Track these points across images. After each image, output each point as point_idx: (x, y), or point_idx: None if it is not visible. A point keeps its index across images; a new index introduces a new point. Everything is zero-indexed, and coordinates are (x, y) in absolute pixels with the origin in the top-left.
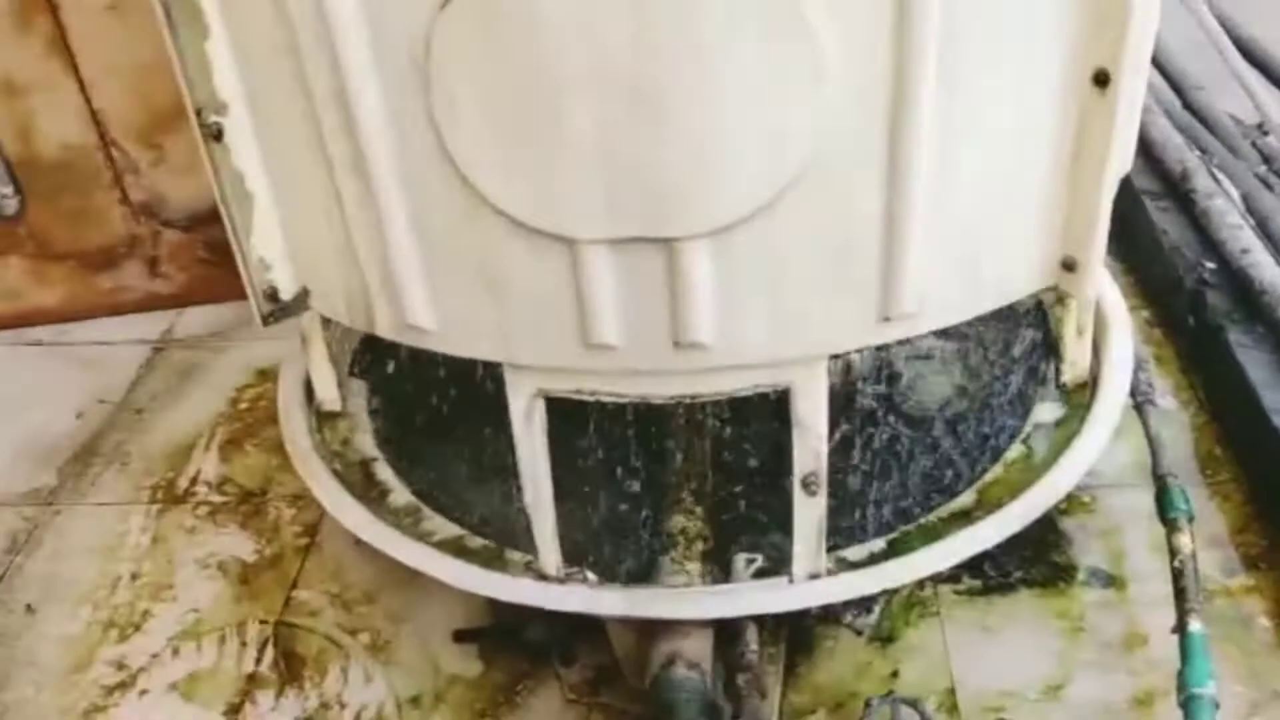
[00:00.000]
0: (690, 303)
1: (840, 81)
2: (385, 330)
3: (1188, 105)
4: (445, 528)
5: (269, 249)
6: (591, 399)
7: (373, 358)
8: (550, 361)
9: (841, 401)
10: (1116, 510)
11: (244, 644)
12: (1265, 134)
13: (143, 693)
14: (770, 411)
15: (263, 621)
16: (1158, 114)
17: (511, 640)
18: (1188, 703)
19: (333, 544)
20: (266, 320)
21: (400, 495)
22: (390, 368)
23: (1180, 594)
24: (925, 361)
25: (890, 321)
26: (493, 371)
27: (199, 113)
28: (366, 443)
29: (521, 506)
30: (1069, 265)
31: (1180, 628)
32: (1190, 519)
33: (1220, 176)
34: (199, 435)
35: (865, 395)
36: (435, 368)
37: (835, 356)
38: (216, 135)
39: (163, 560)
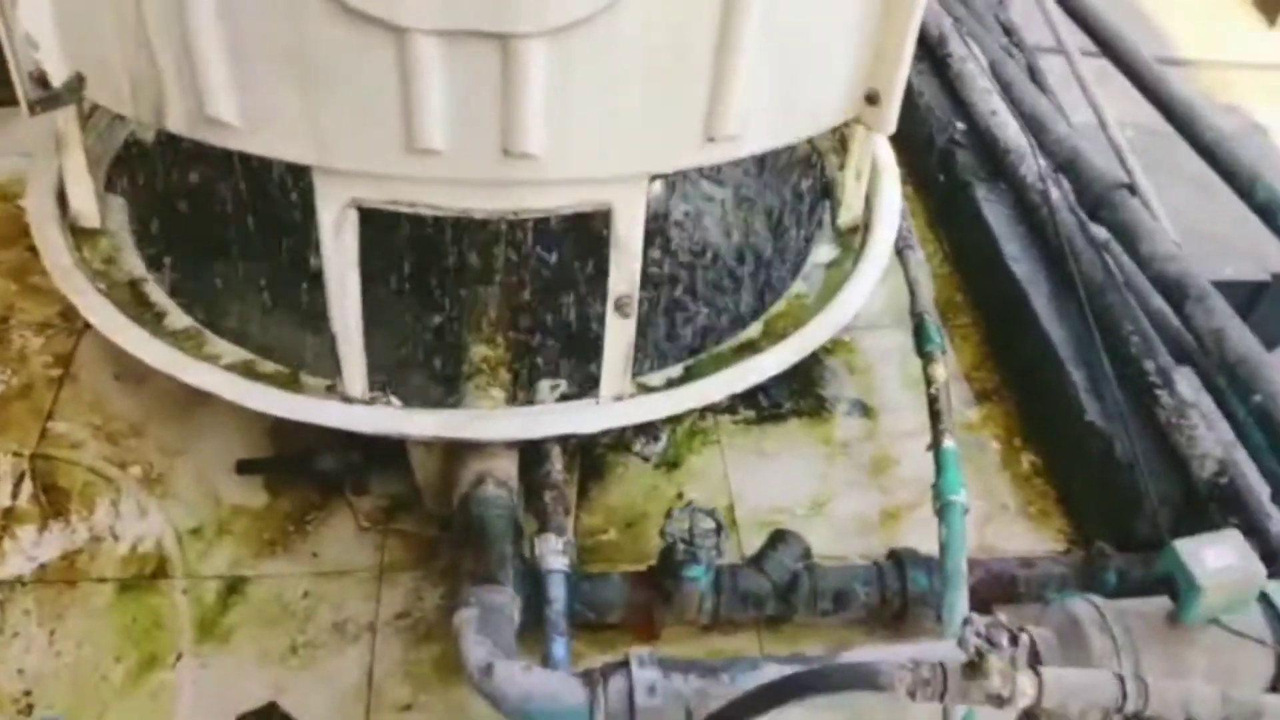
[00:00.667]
0: (522, 107)
1: None
2: (178, 124)
3: None
4: (232, 351)
5: (38, 24)
6: (410, 210)
7: (137, 168)
8: (368, 166)
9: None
10: (872, 350)
11: None
12: (1005, 6)
13: None
14: (582, 233)
15: (16, 454)
16: None
17: (300, 470)
18: (943, 509)
19: (90, 375)
20: (33, 109)
21: (178, 318)
22: (161, 178)
23: (935, 416)
24: (718, 199)
25: (715, 142)
26: (296, 178)
27: None
28: (133, 262)
29: (323, 327)
30: (872, 98)
31: (935, 445)
32: (943, 352)
33: (970, 43)
34: None
35: (664, 224)
36: (219, 176)
37: (656, 177)
38: None
39: None
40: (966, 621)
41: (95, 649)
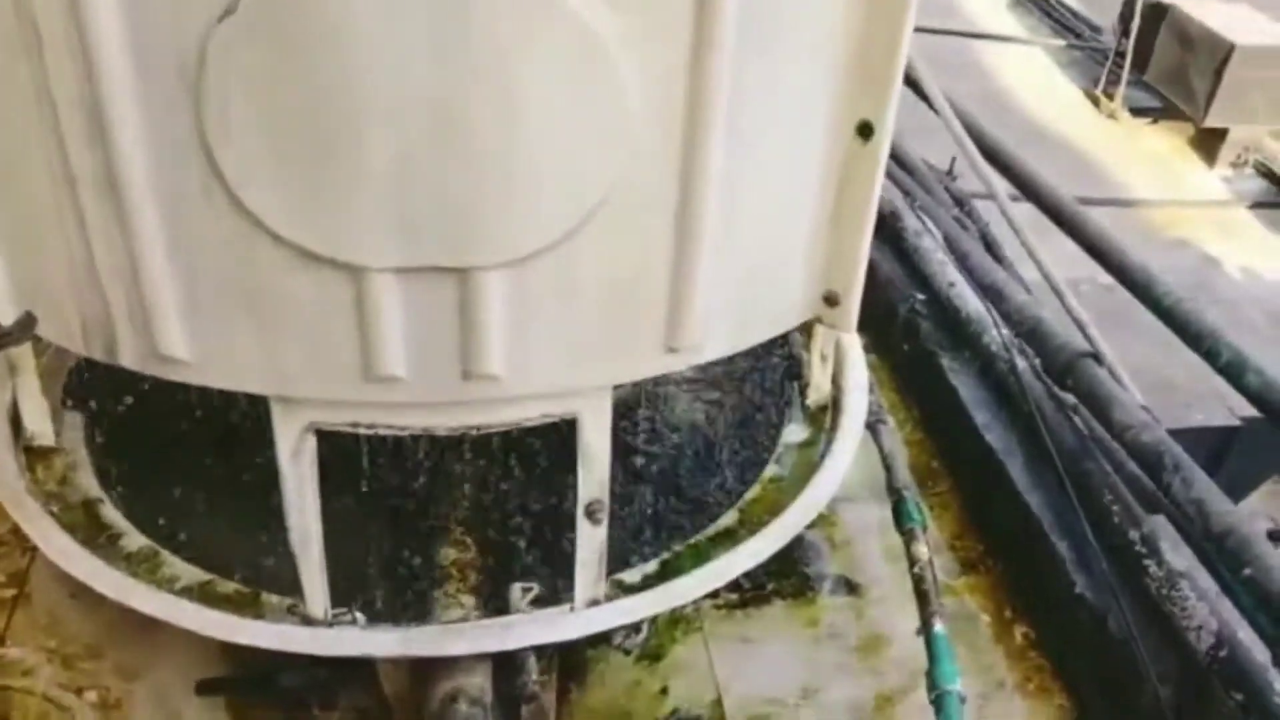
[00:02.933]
0: (482, 333)
1: (640, 117)
2: (130, 361)
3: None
4: (189, 572)
5: None
6: (370, 432)
7: (94, 387)
8: (327, 394)
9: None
10: (852, 523)
11: None
12: (954, 179)
13: None
14: (549, 441)
15: None
16: None
17: (263, 689)
18: (939, 700)
19: (45, 595)
20: None
21: (133, 539)
22: (117, 398)
23: (922, 598)
24: (687, 388)
25: (676, 352)
26: (254, 404)
27: None
28: (88, 482)
29: (282, 547)
30: (831, 300)
31: (925, 630)
32: (925, 529)
33: (923, 217)
34: None
35: (631, 421)
36: (176, 400)
37: (619, 386)
38: None
39: None
40: None
41: None
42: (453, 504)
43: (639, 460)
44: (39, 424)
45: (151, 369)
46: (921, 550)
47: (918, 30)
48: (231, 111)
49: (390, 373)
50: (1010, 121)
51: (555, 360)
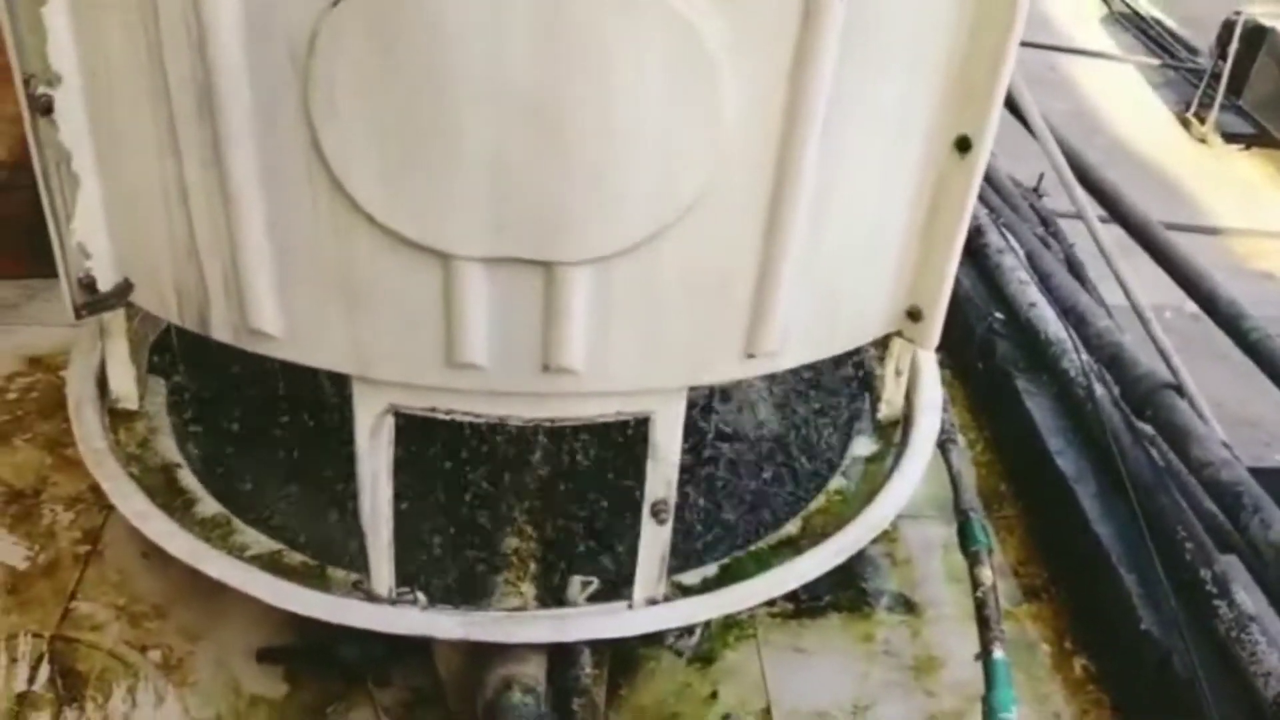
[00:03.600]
0: (564, 327)
1: (736, 121)
2: (221, 333)
3: None
4: (260, 541)
5: (91, 236)
6: (447, 418)
7: (179, 354)
8: (408, 378)
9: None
10: (914, 541)
11: (14, 660)
12: (1041, 196)
13: None
14: (620, 437)
15: (36, 635)
16: None
17: (321, 660)
18: None
19: (117, 553)
20: (79, 313)
21: (207, 505)
22: (201, 367)
23: (983, 623)
24: (758, 395)
25: (754, 358)
26: (335, 382)
27: (27, 82)
28: (168, 446)
29: (353, 523)
30: (914, 314)
31: (985, 654)
32: (990, 551)
33: (1007, 234)
34: None
35: (703, 425)
36: (260, 374)
37: (694, 388)
38: (45, 109)
39: None
40: None
41: None
42: (521, 494)
43: (705, 464)
44: (125, 387)
45: (242, 341)
46: (985, 573)
47: None
48: (337, 95)
49: (471, 360)
50: (1098, 141)
51: (634, 359)
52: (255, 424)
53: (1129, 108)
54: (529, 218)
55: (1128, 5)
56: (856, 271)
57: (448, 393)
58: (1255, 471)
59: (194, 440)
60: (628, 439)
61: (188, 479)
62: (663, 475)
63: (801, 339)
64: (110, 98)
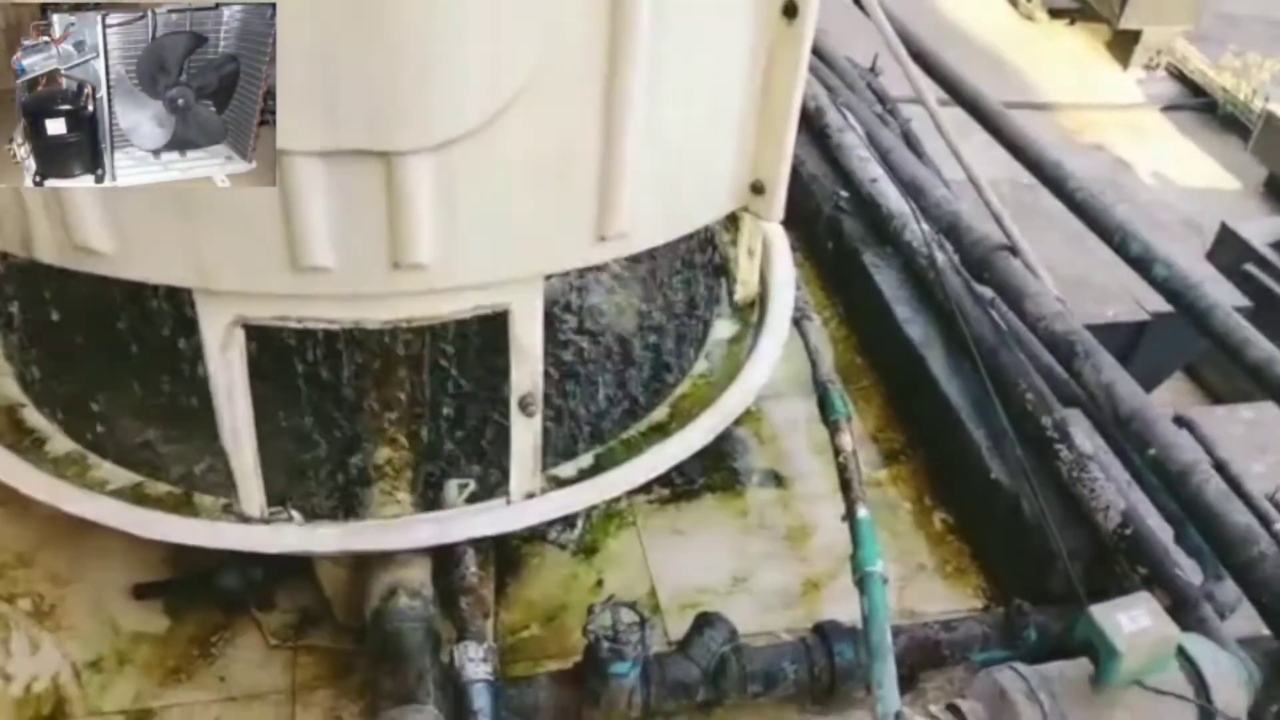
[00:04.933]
0: (410, 221)
1: None
2: (47, 254)
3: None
4: (119, 475)
5: None
6: (298, 326)
7: (11, 289)
8: (253, 286)
9: (544, 324)
10: (779, 418)
11: None
12: (877, 75)
13: None
14: (480, 334)
15: None
16: None
17: (201, 591)
18: (862, 580)
19: None
20: None
21: (59, 443)
22: (33, 300)
23: (846, 485)
24: (615, 284)
25: (606, 241)
26: (177, 298)
27: None
28: (9, 386)
29: (215, 446)
30: (758, 188)
31: (850, 515)
32: (849, 419)
33: (846, 113)
34: None
35: (564, 317)
36: (98, 298)
37: (549, 276)
38: None
39: None
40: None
41: None
42: (387, 400)
43: (570, 356)
44: None
45: (69, 262)
46: (846, 440)
47: None
48: None
49: (317, 262)
50: (929, 20)
51: (484, 249)
52: (100, 355)
53: None
54: (361, 108)
55: None
56: (699, 146)
57: (296, 299)
58: (1089, 328)
59: (36, 378)
60: (490, 336)
61: (35, 418)
62: (527, 369)
63: (651, 220)
64: None
